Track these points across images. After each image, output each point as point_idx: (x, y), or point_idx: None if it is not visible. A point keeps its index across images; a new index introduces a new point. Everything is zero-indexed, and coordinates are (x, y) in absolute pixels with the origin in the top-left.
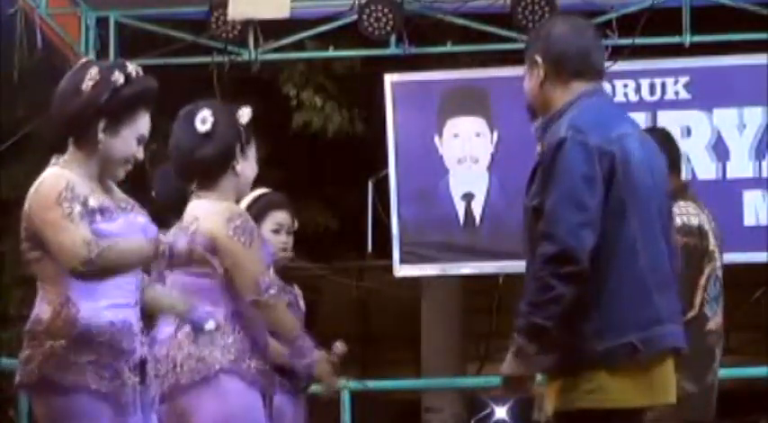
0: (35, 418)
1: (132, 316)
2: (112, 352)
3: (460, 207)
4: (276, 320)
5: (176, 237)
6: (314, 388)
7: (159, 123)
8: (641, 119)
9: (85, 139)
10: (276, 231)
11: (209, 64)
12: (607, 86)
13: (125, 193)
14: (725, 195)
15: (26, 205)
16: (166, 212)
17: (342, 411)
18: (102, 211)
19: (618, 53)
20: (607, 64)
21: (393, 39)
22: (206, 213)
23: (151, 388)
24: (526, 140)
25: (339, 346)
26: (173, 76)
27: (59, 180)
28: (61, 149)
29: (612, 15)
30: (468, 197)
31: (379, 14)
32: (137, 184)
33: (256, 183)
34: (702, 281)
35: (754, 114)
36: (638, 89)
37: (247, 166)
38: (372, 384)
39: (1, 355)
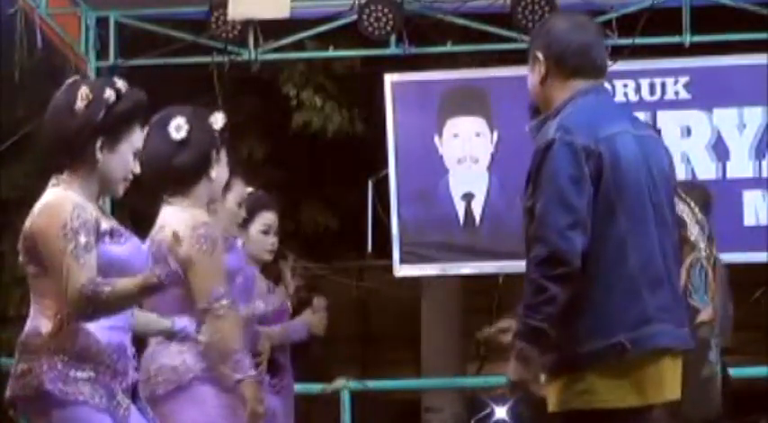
0: None
1: (126, 340)
2: (109, 372)
3: (460, 207)
4: (221, 331)
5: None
6: (314, 388)
7: None
8: (641, 119)
9: (82, 159)
10: (265, 232)
11: (209, 64)
12: (607, 86)
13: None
14: (725, 195)
15: (28, 225)
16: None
17: (342, 411)
18: (112, 233)
19: (618, 53)
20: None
21: (393, 39)
22: (171, 221)
23: (147, 410)
24: (526, 140)
25: (319, 302)
26: (173, 76)
27: (65, 205)
28: (58, 170)
29: (612, 15)
30: (468, 197)
31: (379, 14)
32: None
33: (257, 183)
34: (682, 270)
35: (754, 114)
36: (637, 89)
37: (221, 170)
38: (372, 384)
39: (1, 355)
